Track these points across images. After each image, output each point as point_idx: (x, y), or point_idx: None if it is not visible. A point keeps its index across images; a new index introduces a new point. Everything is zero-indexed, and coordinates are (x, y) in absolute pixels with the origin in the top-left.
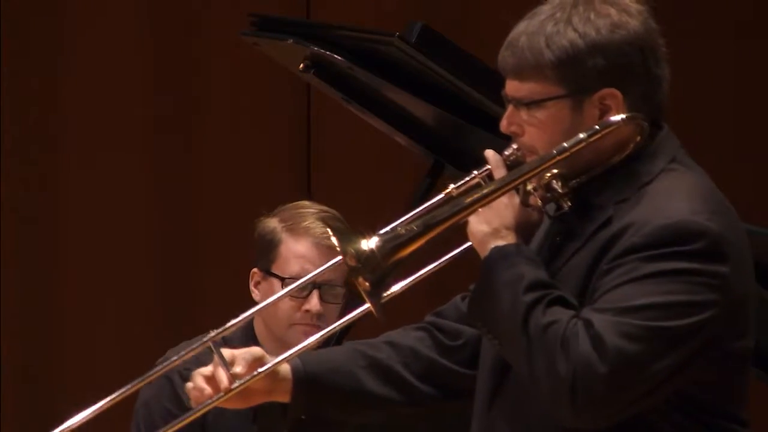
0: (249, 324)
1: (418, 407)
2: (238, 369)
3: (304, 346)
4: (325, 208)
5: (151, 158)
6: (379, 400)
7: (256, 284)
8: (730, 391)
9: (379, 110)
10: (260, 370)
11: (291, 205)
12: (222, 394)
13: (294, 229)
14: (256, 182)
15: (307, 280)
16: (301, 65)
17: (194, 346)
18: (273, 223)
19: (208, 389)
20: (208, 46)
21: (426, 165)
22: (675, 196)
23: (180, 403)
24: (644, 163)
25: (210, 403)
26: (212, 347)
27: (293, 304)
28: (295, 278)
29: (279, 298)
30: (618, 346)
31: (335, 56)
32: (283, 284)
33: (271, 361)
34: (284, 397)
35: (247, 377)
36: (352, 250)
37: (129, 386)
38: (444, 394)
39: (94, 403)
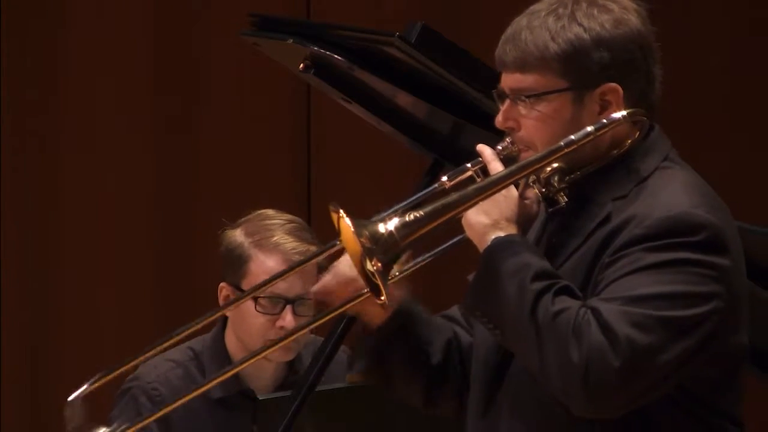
0: (220, 338)
1: (436, 406)
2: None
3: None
4: (290, 217)
5: (151, 158)
6: (428, 375)
7: (226, 298)
8: (726, 388)
9: (379, 110)
10: (406, 267)
11: (254, 215)
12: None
13: (263, 244)
14: (257, 182)
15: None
16: (301, 65)
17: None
18: (239, 236)
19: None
20: (208, 46)
21: (425, 163)
22: (674, 190)
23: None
24: (639, 160)
25: (349, 302)
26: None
27: (266, 321)
28: (267, 296)
29: (253, 316)
30: (629, 336)
31: (335, 56)
32: (256, 302)
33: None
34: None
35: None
36: (367, 232)
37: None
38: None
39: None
